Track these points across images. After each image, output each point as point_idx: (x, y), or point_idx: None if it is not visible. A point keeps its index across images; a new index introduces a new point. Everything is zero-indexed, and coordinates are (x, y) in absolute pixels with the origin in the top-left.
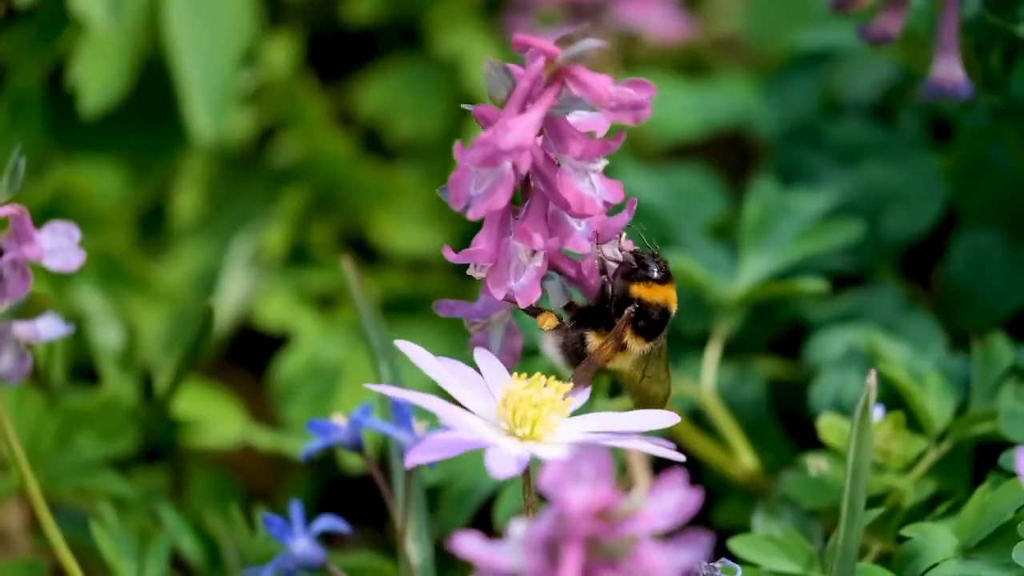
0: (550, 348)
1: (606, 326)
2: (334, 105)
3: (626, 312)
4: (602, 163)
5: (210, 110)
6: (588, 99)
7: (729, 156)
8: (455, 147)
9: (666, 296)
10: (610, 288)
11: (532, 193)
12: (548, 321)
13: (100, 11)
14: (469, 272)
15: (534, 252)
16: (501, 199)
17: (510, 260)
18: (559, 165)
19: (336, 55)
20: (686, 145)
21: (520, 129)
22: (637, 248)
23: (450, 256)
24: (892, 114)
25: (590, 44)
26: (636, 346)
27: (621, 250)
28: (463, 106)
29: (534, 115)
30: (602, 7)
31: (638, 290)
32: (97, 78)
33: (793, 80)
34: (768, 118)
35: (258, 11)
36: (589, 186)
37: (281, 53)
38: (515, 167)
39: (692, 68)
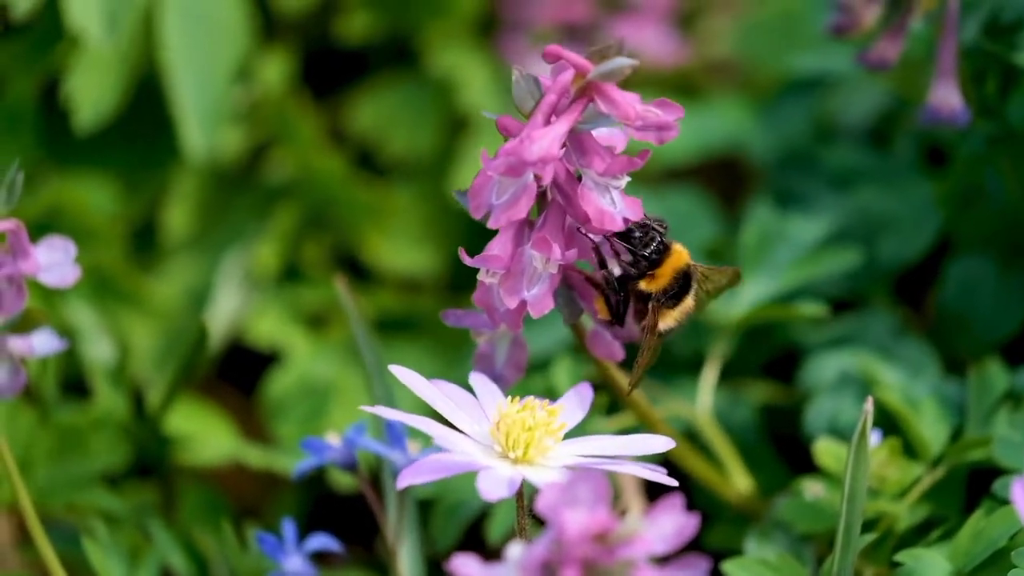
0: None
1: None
2: (327, 122)
3: (650, 307)
4: (624, 180)
5: (203, 126)
6: (615, 116)
7: (722, 179)
8: (480, 154)
9: (674, 267)
10: (617, 299)
11: (550, 204)
12: (603, 311)
13: (96, 25)
14: (480, 278)
15: (548, 261)
16: (522, 210)
17: (524, 269)
18: (579, 179)
19: (329, 72)
20: (680, 168)
21: (546, 141)
22: (623, 247)
23: (465, 259)
24: (887, 140)
25: (623, 62)
26: (677, 311)
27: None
28: (483, 113)
29: (560, 128)
30: (596, 28)
31: (647, 286)
32: (91, 93)
33: (787, 105)
34: (762, 142)
35: (252, 28)
36: (610, 202)
37: (274, 70)
38: (537, 179)
39: (684, 91)
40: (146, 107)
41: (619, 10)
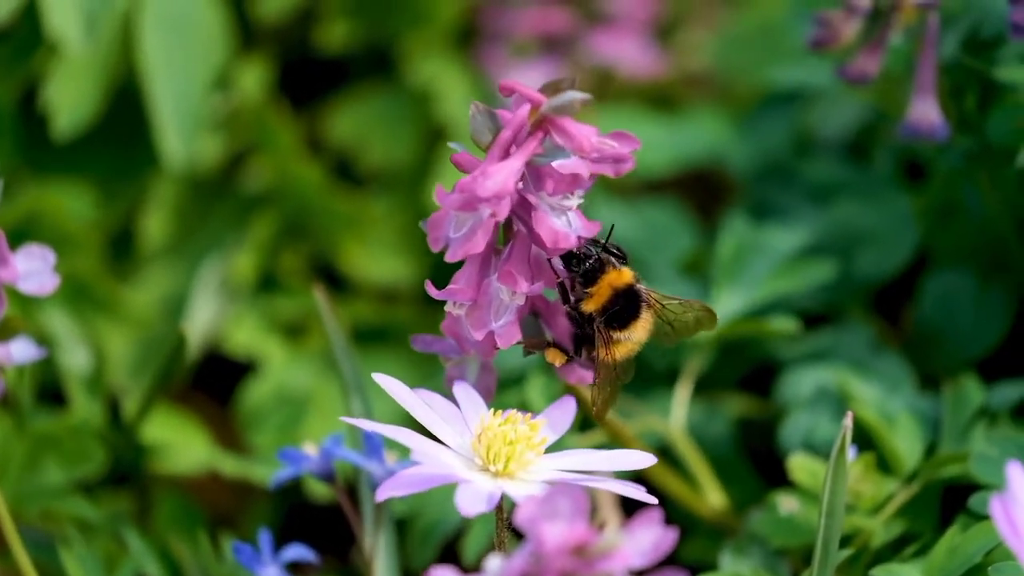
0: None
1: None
2: (305, 131)
3: (596, 328)
4: (576, 200)
5: (181, 134)
6: (571, 149)
7: (699, 192)
8: (436, 190)
9: (612, 283)
10: (574, 316)
11: (516, 236)
12: (557, 357)
13: (75, 31)
14: (447, 308)
15: (515, 293)
16: (479, 243)
17: (491, 300)
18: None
19: (308, 81)
20: (658, 180)
21: (501, 176)
22: (562, 272)
23: (432, 292)
24: (866, 154)
25: (575, 96)
26: (634, 333)
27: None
28: (449, 145)
29: (515, 163)
30: (576, 40)
31: (587, 306)
32: (69, 100)
33: (766, 118)
34: (740, 155)
35: (231, 35)
36: (565, 223)
37: (253, 78)
38: (494, 214)
39: (662, 103)
40: (124, 114)
41: (598, 21)
